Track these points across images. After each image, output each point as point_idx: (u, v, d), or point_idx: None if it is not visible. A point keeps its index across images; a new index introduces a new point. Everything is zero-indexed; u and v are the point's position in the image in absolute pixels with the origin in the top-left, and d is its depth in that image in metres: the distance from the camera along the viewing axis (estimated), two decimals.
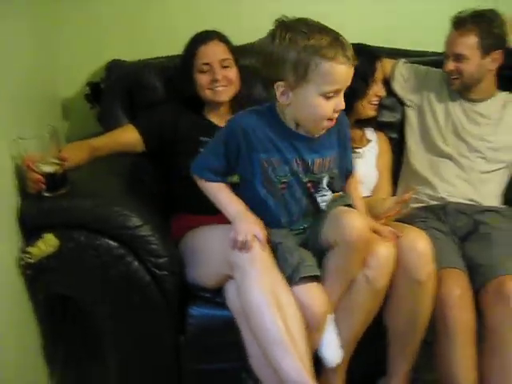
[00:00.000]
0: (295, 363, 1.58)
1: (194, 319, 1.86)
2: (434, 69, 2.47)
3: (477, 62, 2.23)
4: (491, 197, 2.27)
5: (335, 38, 1.53)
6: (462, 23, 2.21)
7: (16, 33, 1.88)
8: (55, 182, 1.76)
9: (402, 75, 2.47)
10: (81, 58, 2.52)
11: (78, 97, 2.51)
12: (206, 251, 1.83)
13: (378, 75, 2.26)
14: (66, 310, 1.91)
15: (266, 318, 1.60)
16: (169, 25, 2.54)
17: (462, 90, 2.32)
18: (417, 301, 1.82)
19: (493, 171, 2.28)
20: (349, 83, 1.59)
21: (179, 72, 2.24)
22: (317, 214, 1.78)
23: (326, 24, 1.59)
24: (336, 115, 1.63)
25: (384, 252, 1.75)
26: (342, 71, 1.54)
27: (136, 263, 1.77)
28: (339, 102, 1.60)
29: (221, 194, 1.76)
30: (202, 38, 2.19)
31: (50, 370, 1.92)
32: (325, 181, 1.76)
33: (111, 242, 1.75)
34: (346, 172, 1.88)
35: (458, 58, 2.23)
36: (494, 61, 2.25)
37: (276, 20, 1.58)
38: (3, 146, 1.69)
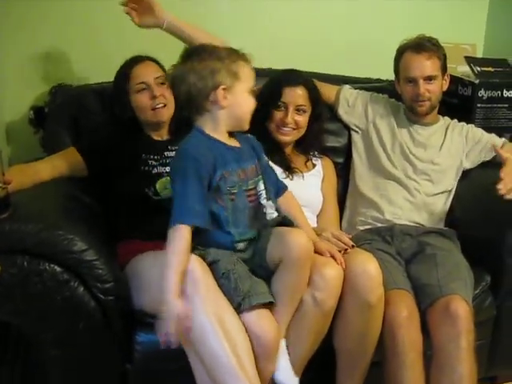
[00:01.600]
0: None
1: (140, 346, 1.81)
2: (378, 94, 2.54)
3: (441, 83, 2.34)
4: (435, 219, 2.31)
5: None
6: (424, 47, 2.30)
7: None
8: None
9: (346, 100, 2.51)
10: (26, 83, 2.49)
11: (22, 121, 2.48)
12: (151, 277, 1.79)
13: (291, 101, 2.22)
14: (8, 338, 1.84)
15: (214, 344, 1.58)
16: (109, 51, 2.53)
17: (424, 113, 2.37)
18: (367, 323, 1.84)
19: (438, 194, 2.33)
20: None
21: (115, 98, 2.22)
22: (261, 222, 1.80)
23: None
24: None
25: (331, 273, 1.76)
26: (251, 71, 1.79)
27: (81, 288, 1.72)
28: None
29: (178, 258, 1.63)
30: (133, 60, 2.19)
31: None
32: (261, 185, 1.81)
33: (55, 267, 1.69)
34: (278, 189, 1.94)
35: (429, 79, 2.30)
36: (446, 82, 2.37)
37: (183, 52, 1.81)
38: None
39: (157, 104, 2.14)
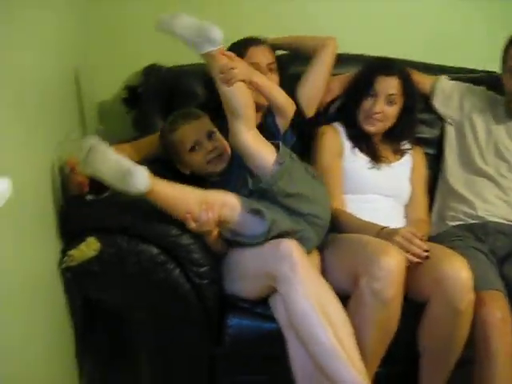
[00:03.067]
0: (350, 372, 1.56)
1: (232, 330, 1.83)
2: (476, 86, 2.45)
3: None
4: None
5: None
6: None
7: (58, 37, 1.87)
8: (98, 185, 1.73)
9: (442, 91, 2.43)
10: (119, 62, 2.52)
11: (114, 100, 2.51)
12: (248, 263, 1.79)
13: (382, 91, 2.17)
14: (96, 317, 1.88)
15: (317, 330, 1.58)
16: None
17: None
18: (454, 327, 1.78)
19: None
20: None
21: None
22: None
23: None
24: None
25: (391, 263, 1.69)
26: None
27: (177, 271, 1.75)
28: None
29: None
30: (253, 40, 2.20)
31: (80, 376, 1.90)
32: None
33: (153, 249, 1.72)
34: None
35: None
36: None
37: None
38: (47, 147, 1.67)
39: None
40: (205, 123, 1.99)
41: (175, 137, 1.96)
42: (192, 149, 1.95)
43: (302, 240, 1.78)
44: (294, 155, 1.95)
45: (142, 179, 1.62)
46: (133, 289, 1.76)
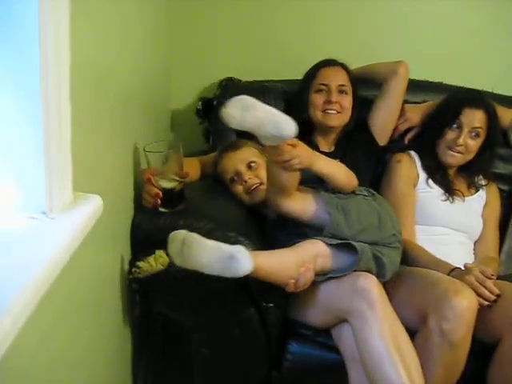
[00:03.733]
0: None
1: (292, 356, 1.81)
2: None
3: None
4: None
5: None
6: None
7: (137, 45, 1.86)
8: (173, 199, 1.73)
9: None
10: (195, 73, 2.54)
11: (188, 110, 2.52)
12: (320, 293, 1.75)
13: (468, 123, 2.12)
14: (162, 329, 1.88)
15: (390, 372, 1.54)
16: (285, 50, 2.54)
17: None
18: None
19: None
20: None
21: (296, 93, 2.26)
22: None
23: None
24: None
25: (463, 304, 1.63)
26: None
27: (243, 292, 1.72)
28: None
29: None
30: (326, 62, 2.23)
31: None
32: None
33: None
34: None
35: None
36: None
37: None
38: (124, 155, 1.67)
39: (328, 109, 2.15)
40: (246, 153, 1.97)
41: (219, 169, 1.99)
42: (232, 180, 1.95)
43: (382, 268, 1.76)
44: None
45: (246, 261, 1.53)
46: (196, 307, 1.75)
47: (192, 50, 2.54)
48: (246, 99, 1.57)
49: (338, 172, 1.84)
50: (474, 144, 2.14)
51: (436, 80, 2.46)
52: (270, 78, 2.38)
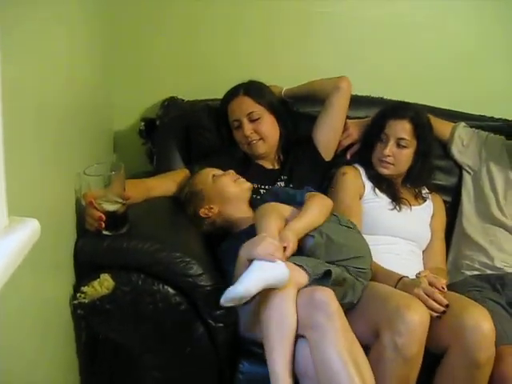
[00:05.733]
0: None
1: (243, 375, 1.77)
2: (494, 135, 2.43)
3: None
4: None
5: None
6: None
7: (76, 68, 1.83)
8: (116, 221, 1.70)
9: (461, 139, 2.42)
10: (137, 93, 2.52)
11: (131, 131, 2.50)
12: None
13: (392, 134, 2.16)
14: (109, 353, 1.83)
15: (346, 382, 1.52)
16: (226, 68, 2.55)
17: None
18: (472, 382, 1.71)
19: None
20: None
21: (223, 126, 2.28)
22: None
23: None
24: None
25: (415, 318, 1.64)
26: None
27: (192, 313, 1.70)
28: None
29: None
30: (229, 95, 2.23)
31: None
32: None
33: (169, 289, 1.68)
34: None
35: None
36: None
37: None
38: (65, 179, 1.64)
39: (249, 141, 2.17)
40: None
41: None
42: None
43: (352, 290, 1.78)
44: None
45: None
46: (145, 330, 1.71)
47: (133, 71, 2.52)
48: (230, 298, 1.57)
49: (315, 219, 1.87)
50: (404, 154, 2.18)
51: (377, 95, 2.51)
52: (212, 97, 2.38)
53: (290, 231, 1.76)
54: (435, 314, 1.75)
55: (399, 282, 1.88)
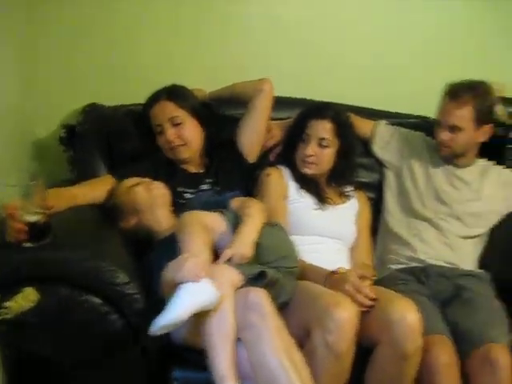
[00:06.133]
0: None
1: (177, 382, 1.76)
2: (414, 131, 2.51)
3: (470, 133, 2.25)
4: (469, 261, 2.27)
5: None
6: (458, 94, 2.22)
7: None
8: (38, 232, 1.66)
9: (381, 137, 2.48)
10: (57, 100, 2.47)
11: (53, 138, 2.43)
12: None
13: (314, 134, 2.19)
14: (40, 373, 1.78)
15: (284, 380, 1.54)
16: (147, 72, 2.53)
17: (449, 157, 2.35)
18: (401, 373, 1.76)
19: (471, 236, 2.30)
20: None
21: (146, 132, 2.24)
22: None
23: None
24: None
25: (344, 315, 1.68)
26: None
27: (120, 322, 1.68)
28: None
29: None
30: (151, 99, 2.21)
31: None
32: None
33: (96, 299, 1.65)
34: None
35: (453, 129, 2.24)
36: (484, 134, 2.29)
37: None
38: None
39: (172, 147, 2.16)
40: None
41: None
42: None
43: (284, 289, 1.79)
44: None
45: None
46: (73, 341, 1.67)
47: (52, 78, 2.47)
48: (161, 326, 1.56)
49: (259, 225, 1.88)
50: (326, 154, 2.21)
51: (300, 96, 2.54)
52: (134, 102, 2.35)
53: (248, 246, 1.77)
54: (363, 309, 1.79)
55: (328, 277, 1.91)
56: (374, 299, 1.82)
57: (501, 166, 2.43)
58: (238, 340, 1.63)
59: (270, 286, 1.73)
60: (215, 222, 1.86)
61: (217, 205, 1.97)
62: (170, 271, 1.64)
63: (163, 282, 1.67)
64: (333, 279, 1.89)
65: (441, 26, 2.80)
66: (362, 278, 1.88)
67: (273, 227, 1.94)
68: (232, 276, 1.68)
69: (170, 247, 1.76)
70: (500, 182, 2.37)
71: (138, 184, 2.02)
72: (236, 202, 1.93)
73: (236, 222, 1.85)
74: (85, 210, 1.96)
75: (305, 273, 1.95)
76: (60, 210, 1.85)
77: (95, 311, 1.65)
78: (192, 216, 1.84)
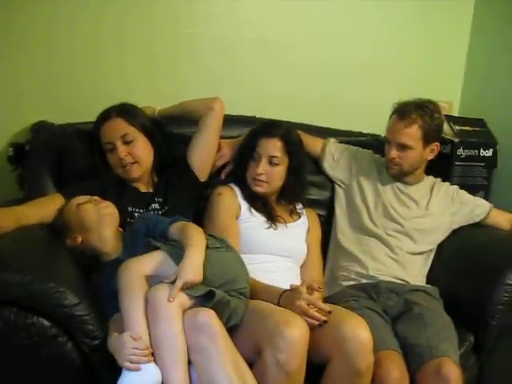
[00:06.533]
0: None
1: None
2: (363, 149, 2.55)
3: (419, 152, 2.30)
4: (419, 276, 2.31)
5: None
6: (406, 114, 2.27)
7: None
8: None
9: (331, 154, 2.51)
10: (4, 118, 2.42)
11: None
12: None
13: (264, 152, 2.20)
14: None
15: None
16: (95, 89, 2.51)
17: (398, 175, 2.39)
18: None
19: (420, 253, 2.34)
20: None
21: (96, 154, 2.21)
22: None
23: None
24: None
25: (294, 333, 1.68)
26: None
27: (69, 344, 1.66)
28: None
29: None
30: (102, 117, 2.19)
31: None
32: None
33: (44, 321, 1.63)
34: None
35: (402, 147, 2.28)
36: (431, 152, 2.34)
37: None
38: None
39: (124, 165, 2.14)
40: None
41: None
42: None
43: (234, 312, 1.78)
44: None
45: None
46: (22, 365, 1.64)
47: (2, 95, 2.43)
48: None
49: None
50: (276, 171, 2.22)
51: (249, 114, 2.56)
52: (83, 120, 2.33)
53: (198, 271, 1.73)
54: (317, 323, 1.80)
55: (282, 295, 1.91)
56: (329, 312, 1.83)
57: (448, 183, 2.49)
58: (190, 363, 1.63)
59: (220, 306, 1.72)
60: (155, 267, 1.77)
61: (155, 226, 1.91)
62: (112, 349, 1.63)
63: (108, 342, 1.66)
64: (286, 296, 1.90)
65: (390, 46, 2.88)
66: (310, 288, 1.89)
67: (218, 250, 1.90)
68: (179, 297, 1.67)
69: (114, 273, 1.74)
70: (448, 199, 2.42)
71: (87, 202, 1.99)
72: (175, 228, 1.88)
73: (175, 252, 1.79)
74: (33, 229, 1.92)
75: (258, 292, 1.95)
76: (8, 230, 1.82)
77: (43, 334, 1.62)
78: (130, 273, 1.73)
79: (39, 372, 1.66)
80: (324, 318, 1.82)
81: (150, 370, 1.58)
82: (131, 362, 1.56)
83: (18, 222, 1.89)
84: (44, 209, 2.02)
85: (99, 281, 1.86)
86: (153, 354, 1.61)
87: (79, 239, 1.95)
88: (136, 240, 1.89)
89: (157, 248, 1.80)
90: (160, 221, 1.93)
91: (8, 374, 1.66)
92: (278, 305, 1.88)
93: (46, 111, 2.41)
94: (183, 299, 1.68)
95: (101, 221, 1.96)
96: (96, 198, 2.01)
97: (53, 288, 1.63)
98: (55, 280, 1.66)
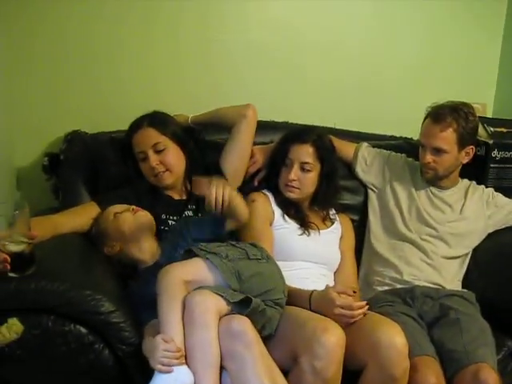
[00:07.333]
0: None
1: None
2: (396, 153, 2.53)
3: (454, 155, 2.27)
4: (454, 281, 2.29)
5: None
6: (441, 117, 2.24)
7: None
8: (22, 262, 1.64)
9: (364, 159, 2.50)
10: (38, 128, 2.46)
11: (35, 167, 2.43)
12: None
13: (296, 158, 2.20)
14: None
15: None
16: (129, 99, 2.54)
17: (433, 179, 2.36)
18: None
19: (455, 257, 2.31)
20: None
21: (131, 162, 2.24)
22: None
23: None
24: None
25: (332, 340, 1.68)
26: None
27: (106, 351, 1.67)
28: None
29: None
30: (134, 126, 2.20)
31: None
32: None
33: (81, 328, 1.65)
34: None
35: (437, 151, 2.26)
36: (466, 155, 2.31)
37: None
38: None
39: (156, 172, 2.15)
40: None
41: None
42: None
43: (269, 321, 1.77)
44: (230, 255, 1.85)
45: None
46: (59, 373, 1.66)
47: (33, 106, 2.47)
48: None
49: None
50: (308, 178, 2.21)
51: (282, 120, 2.56)
52: (116, 129, 2.36)
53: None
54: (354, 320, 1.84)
55: (311, 297, 1.92)
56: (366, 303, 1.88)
57: (483, 186, 2.46)
58: (224, 369, 1.63)
59: (255, 314, 1.71)
60: (196, 273, 1.77)
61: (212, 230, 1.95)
62: (145, 351, 1.64)
63: (143, 345, 1.67)
64: (315, 299, 1.90)
65: (424, 49, 2.87)
66: (343, 293, 1.89)
67: (259, 262, 1.89)
68: (216, 303, 1.67)
69: (152, 279, 1.75)
70: (483, 202, 2.39)
71: (124, 211, 2.01)
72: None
73: (218, 261, 1.78)
74: (69, 238, 1.95)
75: (289, 297, 1.95)
76: (44, 238, 1.84)
77: (80, 341, 1.63)
78: (171, 277, 1.73)
79: (75, 379, 1.67)
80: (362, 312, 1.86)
81: (182, 372, 1.58)
82: (163, 365, 1.57)
83: (53, 231, 1.91)
84: (79, 217, 2.04)
85: (136, 287, 1.88)
86: (186, 358, 1.61)
87: (117, 248, 1.97)
88: (179, 242, 1.93)
89: (197, 255, 1.81)
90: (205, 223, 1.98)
91: (45, 381, 1.67)
92: (309, 308, 1.89)
93: (79, 121, 2.44)
94: (221, 305, 1.68)
95: (139, 230, 1.98)
96: (133, 207, 2.03)
97: (89, 295, 1.64)
98: (92, 287, 1.67)
